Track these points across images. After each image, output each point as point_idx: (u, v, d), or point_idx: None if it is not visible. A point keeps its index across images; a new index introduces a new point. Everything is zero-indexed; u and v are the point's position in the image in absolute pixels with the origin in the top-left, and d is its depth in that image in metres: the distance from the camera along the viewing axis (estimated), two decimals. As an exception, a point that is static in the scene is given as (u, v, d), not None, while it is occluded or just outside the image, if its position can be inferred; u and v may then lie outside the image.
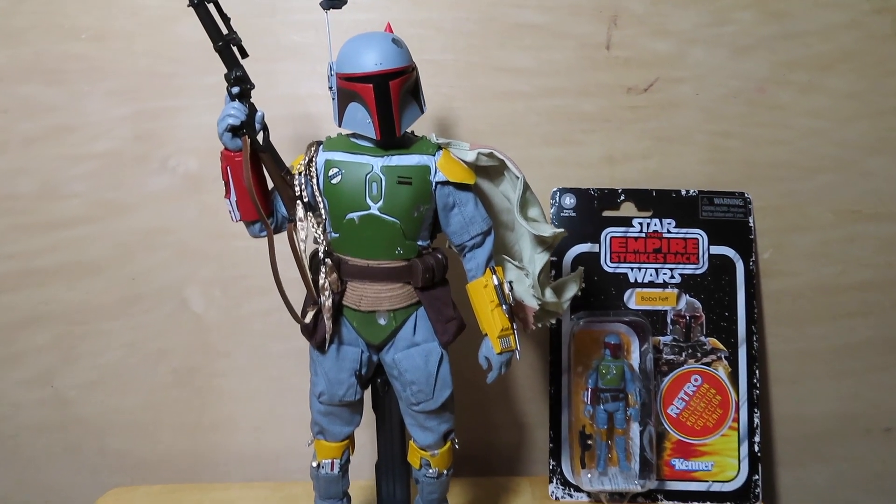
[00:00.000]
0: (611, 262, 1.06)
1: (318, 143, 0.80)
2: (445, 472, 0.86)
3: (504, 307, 0.80)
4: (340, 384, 0.81)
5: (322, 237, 0.78)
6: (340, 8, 0.77)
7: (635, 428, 1.02)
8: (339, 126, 0.78)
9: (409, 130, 0.79)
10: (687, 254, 1.06)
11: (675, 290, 1.05)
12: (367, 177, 0.76)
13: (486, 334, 0.81)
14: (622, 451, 1.01)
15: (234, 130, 0.75)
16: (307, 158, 0.78)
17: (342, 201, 0.77)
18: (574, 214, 1.06)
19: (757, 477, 1.04)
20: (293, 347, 1.10)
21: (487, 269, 0.80)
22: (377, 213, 0.76)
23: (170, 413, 1.16)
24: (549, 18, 1.05)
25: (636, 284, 1.05)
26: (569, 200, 1.06)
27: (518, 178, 0.81)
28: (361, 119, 0.75)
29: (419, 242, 0.79)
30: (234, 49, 0.75)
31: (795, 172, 1.09)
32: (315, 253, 0.80)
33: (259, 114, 0.76)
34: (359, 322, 0.80)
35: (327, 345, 0.80)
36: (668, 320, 1.05)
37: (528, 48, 1.05)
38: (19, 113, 1.06)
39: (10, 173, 1.08)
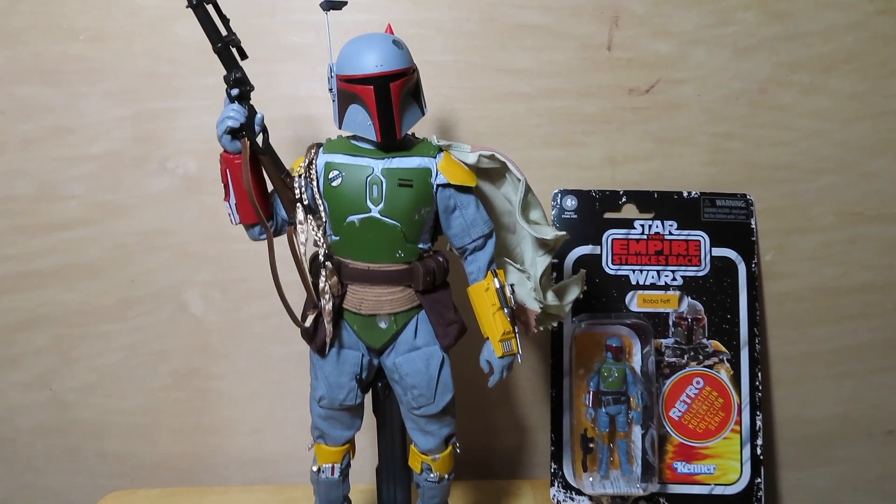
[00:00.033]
0: (612, 264, 1.05)
1: (319, 146, 0.79)
2: (447, 476, 0.86)
3: (506, 310, 0.79)
4: (341, 388, 0.81)
5: (322, 240, 0.78)
6: (341, 9, 0.76)
7: (637, 431, 1.01)
8: (340, 128, 0.77)
9: (409, 132, 0.79)
10: (689, 256, 1.05)
11: (677, 293, 1.05)
12: (368, 179, 0.76)
13: (488, 338, 0.80)
14: (624, 455, 1.01)
15: (234, 132, 0.75)
16: (307, 161, 0.78)
17: (342, 204, 0.76)
18: (575, 216, 1.06)
19: (759, 480, 1.04)
20: (293, 350, 1.09)
21: (489, 273, 0.80)
22: (378, 215, 0.76)
23: (169, 416, 1.15)
24: (550, 19, 1.04)
25: (638, 287, 1.05)
26: (570, 202, 1.06)
27: (520, 180, 0.80)
28: (362, 121, 0.75)
29: (420, 245, 0.79)
30: (234, 50, 0.74)
31: (797, 174, 1.09)
32: (315, 256, 0.80)
33: (259, 116, 0.76)
34: (359, 326, 0.80)
35: (327, 349, 0.80)
36: (670, 323, 1.05)
37: (529, 49, 1.05)
38: (17, 114, 1.06)
39: (8, 174, 1.07)
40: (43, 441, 1.16)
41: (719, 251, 1.05)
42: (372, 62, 0.72)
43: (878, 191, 1.09)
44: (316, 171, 0.77)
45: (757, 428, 1.04)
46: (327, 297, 0.78)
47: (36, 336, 1.12)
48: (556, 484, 1.04)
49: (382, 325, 0.80)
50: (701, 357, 1.05)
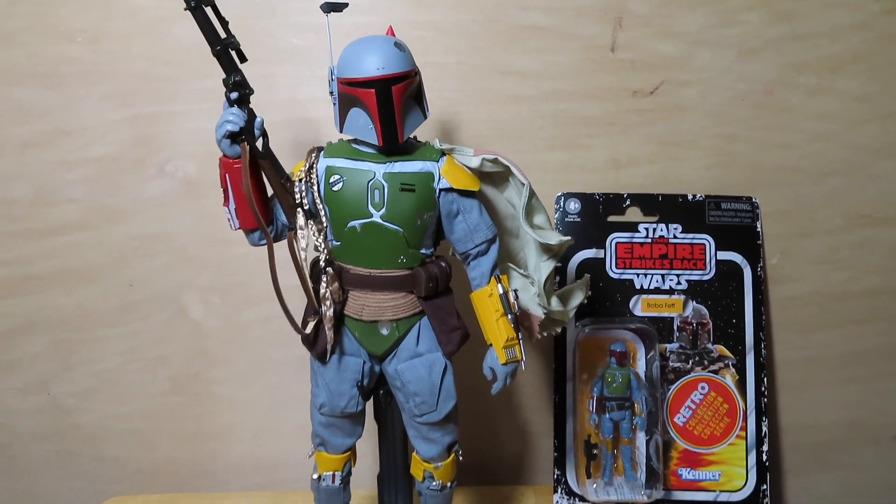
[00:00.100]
0: (616, 268, 1.04)
1: (319, 149, 0.78)
2: (449, 484, 0.85)
3: (509, 316, 0.78)
4: (342, 395, 0.80)
5: (323, 245, 0.77)
6: (341, 11, 0.75)
7: (641, 437, 1.00)
8: (341, 132, 0.76)
9: (412, 136, 0.78)
10: (693, 259, 1.04)
11: (682, 297, 1.04)
12: (370, 184, 0.75)
13: (491, 344, 0.79)
14: (628, 461, 1.00)
15: (233, 137, 0.74)
16: (307, 165, 0.77)
17: (344, 209, 0.75)
18: (579, 219, 1.05)
19: (765, 487, 1.02)
20: (293, 355, 1.08)
21: (492, 278, 0.79)
22: (379, 220, 0.75)
23: (168, 421, 1.14)
24: (552, 20, 1.03)
25: (642, 291, 1.04)
26: (573, 205, 1.05)
27: (523, 184, 0.79)
28: (363, 125, 0.74)
29: (422, 251, 0.78)
30: (233, 53, 0.73)
31: (803, 176, 1.08)
32: (316, 261, 0.79)
33: (258, 120, 0.75)
34: (361, 332, 0.79)
35: (328, 355, 0.79)
36: (675, 327, 1.04)
37: (531, 51, 1.04)
38: (13, 117, 1.05)
39: (4, 178, 1.06)
40: (41, 446, 1.16)
41: (724, 255, 1.04)
42: (373, 65, 0.71)
43: (886, 193, 1.08)
44: (316, 176, 0.76)
45: (763, 434, 1.03)
46: (328, 303, 0.77)
47: (34, 341, 1.12)
48: (559, 490, 1.03)
49: (384, 331, 0.79)
50: (706, 362, 1.04)
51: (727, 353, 1.04)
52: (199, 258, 1.09)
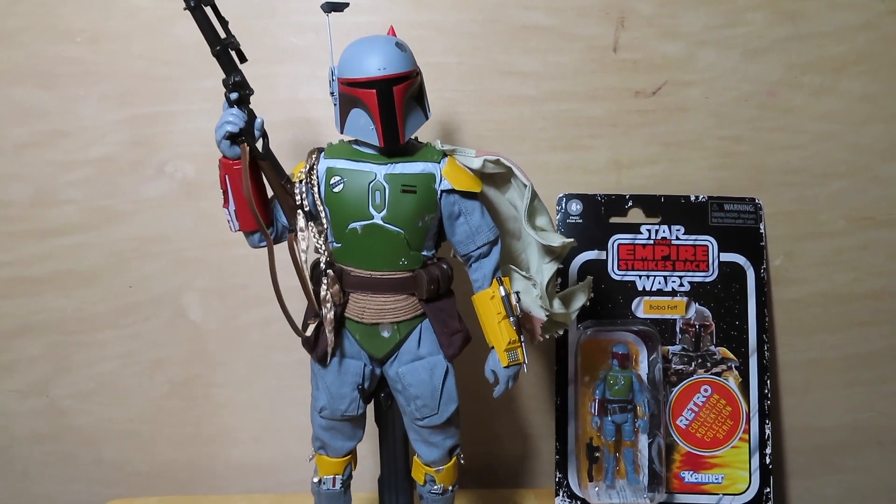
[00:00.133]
0: (618, 269, 1.03)
1: (320, 150, 0.77)
2: (451, 488, 0.84)
3: (511, 319, 0.78)
4: (343, 398, 0.79)
5: (323, 247, 0.76)
6: (342, 11, 0.74)
7: (644, 440, 1.00)
8: (341, 132, 0.75)
9: (413, 137, 0.77)
10: (696, 261, 1.03)
11: (685, 299, 1.03)
12: (371, 185, 0.74)
13: (493, 347, 0.79)
14: (630, 464, 0.99)
15: (233, 138, 0.73)
16: (308, 166, 0.76)
17: (344, 210, 0.75)
18: (581, 221, 1.04)
19: (768, 490, 1.02)
20: (292, 357, 1.08)
21: (494, 280, 0.78)
22: (381, 222, 0.74)
23: (167, 423, 1.14)
24: (555, 20, 1.02)
25: (644, 292, 1.03)
26: (575, 206, 1.04)
27: (526, 185, 0.78)
28: (364, 125, 0.73)
29: (424, 252, 0.77)
30: (233, 53, 0.73)
31: (807, 178, 1.07)
32: (316, 263, 0.78)
33: (258, 120, 0.74)
34: (361, 334, 0.78)
35: (329, 358, 0.78)
36: (678, 329, 1.03)
37: (533, 51, 1.03)
38: (11, 117, 1.04)
39: (2, 179, 1.06)
40: (39, 449, 1.15)
41: (727, 256, 1.03)
42: (374, 65, 0.70)
43: (890, 195, 1.08)
44: (317, 177, 0.75)
45: (766, 437, 1.02)
46: (329, 305, 0.76)
47: (32, 343, 1.11)
48: (560, 493, 1.03)
49: (385, 334, 0.78)
50: (709, 364, 1.03)
51: (730, 355, 1.03)
52: (198, 260, 1.08)
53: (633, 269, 1.04)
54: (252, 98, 0.75)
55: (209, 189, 1.05)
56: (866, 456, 1.15)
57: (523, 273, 0.84)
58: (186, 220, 1.07)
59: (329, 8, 0.74)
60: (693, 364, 1.03)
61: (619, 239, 1.04)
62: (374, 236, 0.75)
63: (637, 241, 1.04)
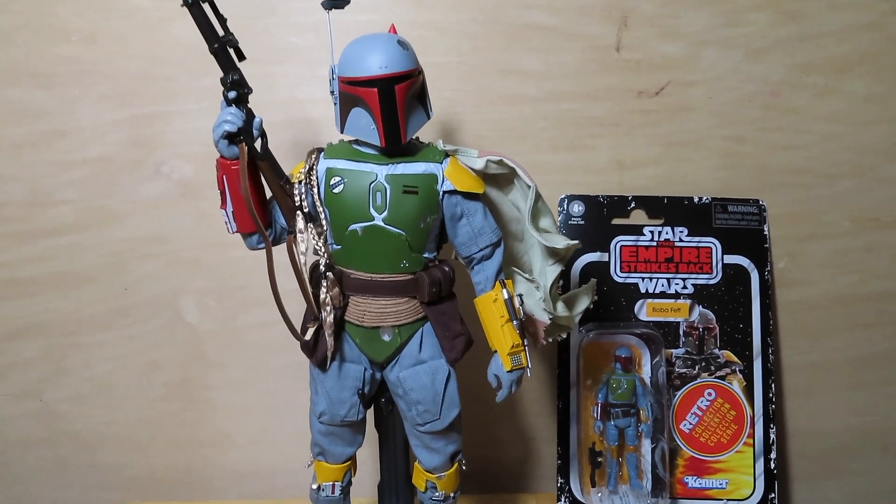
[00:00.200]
0: (621, 271, 1.03)
1: (319, 150, 0.76)
2: (452, 494, 0.83)
3: (514, 322, 0.76)
4: (342, 403, 0.78)
5: (323, 249, 0.75)
6: (343, 8, 0.73)
7: (647, 444, 0.99)
8: (342, 132, 0.74)
9: (414, 137, 0.76)
10: (700, 263, 1.02)
11: (688, 301, 1.02)
12: (371, 186, 0.73)
13: (496, 351, 0.77)
14: (633, 469, 0.99)
15: (231, 137, 0.72)
16: (307, 166, 0.75)
17: (344, 212, 0.73)
18: (583, 222, 1.03)
19: (773, 495, 1.01)
20: (290, 360, 1.06)
21: (497, 283, 0.77)
22: (382, 224, 0.73)
23: (163, 427, 1.13)
24: (556, 19, 1.02)
25: (647, 295, 1.02)
26: (577, 208, 1.03)
27: (529, 186, 0.77)
28: (365, 125, 0.72)
29: (425, 255, 0.76)
30: (231, 51, 0.71)
31: (811, 179, 1.07)
32: (316, 265, 0.77)
33: (257, 120, 0.73)
34: (362, 338, 0.77)
35: (328, 362, 0.77)
36: (681, 332, 1.02)
37: (535, 50, 1.02)
38: (8, 117, 1.03)
39: (-2, 179, 1.05)
40: (34, 453, 1.14)
41: (731, 258, 1.02)
42: (376, 63, 0.69)
43: (895, 196, 1.07)
44: (317, 178, 0.74)
45: (770, 441, 1.01)
46: (328, 308, 0.75)
47: (27, 345, 1.10)
48: (562, 499, 1.01)
49: (386, 337, 0.77)
50: (712, 368, 1.02)
51: (734, 358, 1.02)
52: (195, 261, 1.07)
53: (635, 272, 1.03)
54: (251, 98, 0.73)
55: (207, 189, 1.04)
56: (870, 459, 1.14)
57: (526, 275, 0.83)
58: (184, 220, 1.06)
59: (330, 5, 0.73)
60: (697, 367, 1.02)
61: (621, 240, 1.03)
62: (374, 238, 0.73)
63: (640, 243, 1.03)
